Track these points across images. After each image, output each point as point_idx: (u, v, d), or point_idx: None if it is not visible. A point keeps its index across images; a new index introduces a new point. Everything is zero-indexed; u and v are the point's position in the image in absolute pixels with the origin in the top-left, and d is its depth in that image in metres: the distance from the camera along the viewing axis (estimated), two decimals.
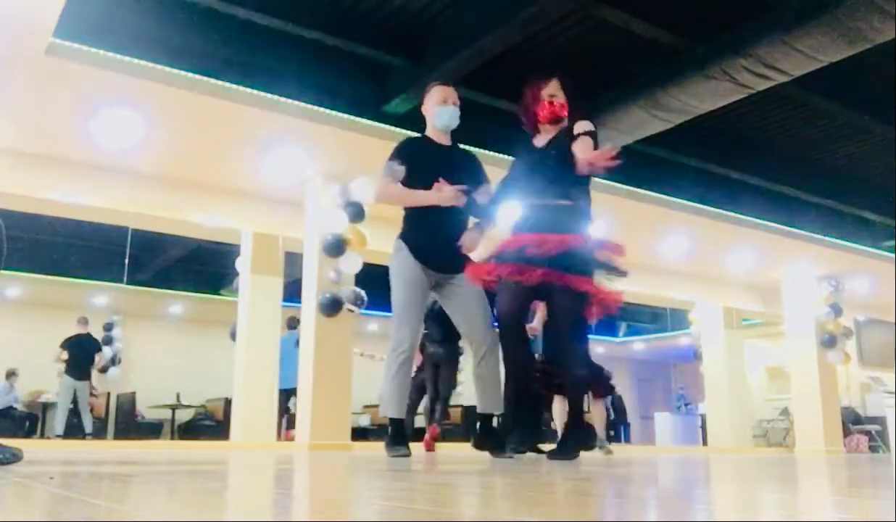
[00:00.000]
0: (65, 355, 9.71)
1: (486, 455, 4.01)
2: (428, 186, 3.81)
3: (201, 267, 12.10)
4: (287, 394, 8.75)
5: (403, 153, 3.96)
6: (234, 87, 6.12)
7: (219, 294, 11.65)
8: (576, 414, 3.78)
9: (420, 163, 3.90)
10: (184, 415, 11.61)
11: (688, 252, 9.98)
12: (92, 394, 10.13)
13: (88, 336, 10.01)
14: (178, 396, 11.29)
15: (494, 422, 4.15)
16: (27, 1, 4.73)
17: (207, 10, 5.97)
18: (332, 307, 7.22)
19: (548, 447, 4.32)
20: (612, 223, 8.89)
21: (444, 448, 7.65)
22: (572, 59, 6.75)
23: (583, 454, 3.96)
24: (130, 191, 7.47)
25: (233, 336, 8.77)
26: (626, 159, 8.62)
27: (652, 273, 10.83)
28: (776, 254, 10.37)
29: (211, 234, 9.56)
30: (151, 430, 11.43)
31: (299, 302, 7.61)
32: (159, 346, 12.18)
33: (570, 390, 3.89)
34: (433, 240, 3.84)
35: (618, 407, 15.25)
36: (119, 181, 7.33)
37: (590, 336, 5.63)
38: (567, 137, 3.80)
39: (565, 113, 3.89)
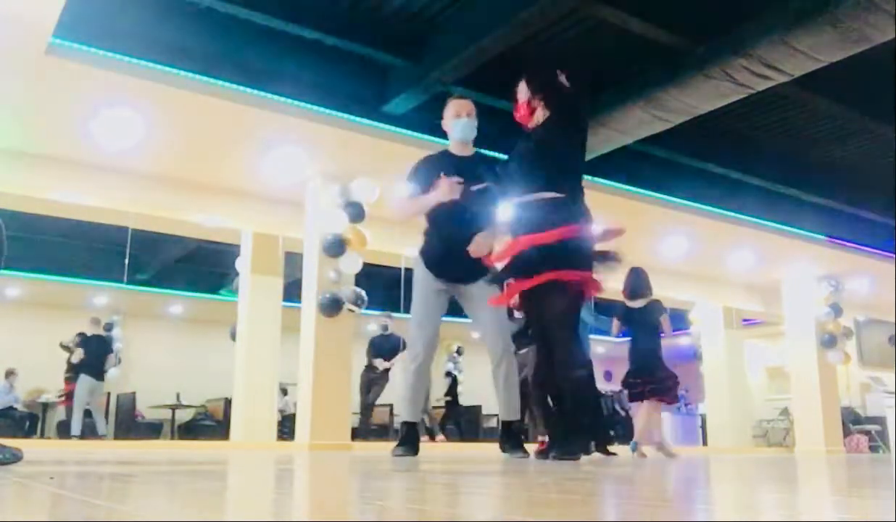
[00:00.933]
0: (79, 352, 9.64)
1: (486, 454, 4.01)
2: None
3: (201, 268, 12.10)
4: None
5: (419, 172, 4.04)
6: (234, 86, 6.12)
7: (219, 294, 11.65)
8: (575, 414, 3.74)
9: (436, 176, 3.93)
10: (184, 415, 11.60)
11: (687, 252, 9.97)
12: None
13: (101, 336, 9.98)
14: (178, 396, 11.28)
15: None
16: (27, 1, 4.73)
17: (207, 10, 5.97)
18: (332, 307, 7.22)
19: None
20: (612, 223, 8.90)
21: (445, 448, 7.65)
22: (572, 59, 6.76)
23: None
24: (130, 191, 7.47)
25: (233, 336, 8.78)
26: (627, 159, 8.64)
27: (652, 273, 10.76)
28: (776, 254, 10.37)
29: (211, 234, 9.56)
30: (151, 430, 11.43)
31: (299, 302, 7.62)
32: (159, 346, 12.18)
33: (567, 391, 3.76)
34: (446, 252, 3.92)
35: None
36: (119, 181, 7.32)
37: (590, 333, 5.66)
38: (546, 127, 3.77)
39: (518, 117, 3.88)
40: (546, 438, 4.94)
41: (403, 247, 8.14)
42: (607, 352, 17.88)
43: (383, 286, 10.43)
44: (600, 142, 7.18)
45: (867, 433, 12.66)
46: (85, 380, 9.51)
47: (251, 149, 7.01)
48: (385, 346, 9.66)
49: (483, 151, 4.22)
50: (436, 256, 3.96)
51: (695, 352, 12.79)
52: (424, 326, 3.95)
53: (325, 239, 7.28)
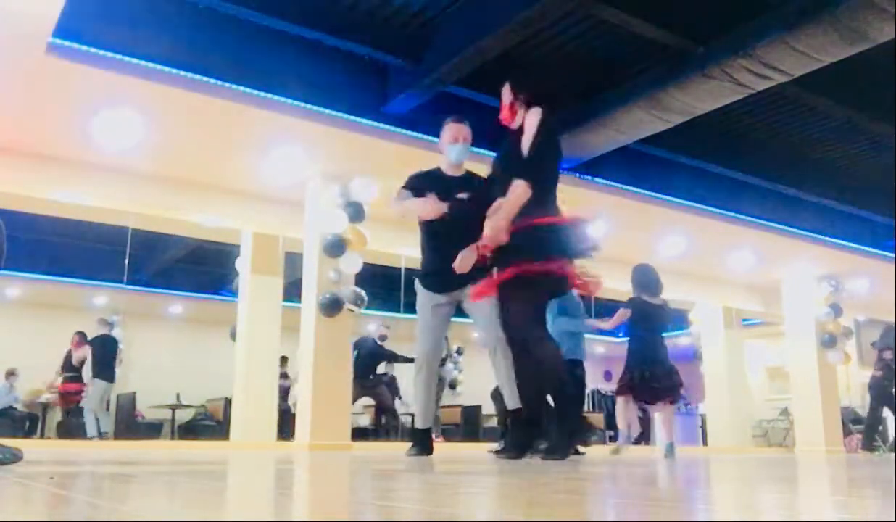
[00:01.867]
0: (86, 351, 9.62)
1: (485, 455, 4.02)
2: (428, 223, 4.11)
3: (201, 268, 12.09)
4: None
5: (413, 183, 4.25)
6: (235, 87, 6.12)
7: (219, 294, 11.65)
8: (562, 413, 3.82)
9: (425, 191, 4.14)
10: (184, 415, 11.60)
11: (687, 252, 9.97)
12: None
13: (109, 336, 9.96)
14: (178, 396, 11.28)
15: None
16: (27, 1, 4.73)
17: (207, 10, 5.97)
18: (332, 307, 7.22)
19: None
20: (612, 223, 8.91)
21: (444, 448, 7.65)
22: (572, 59, 6.76)
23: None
24: (130, 191, 7.47)
25: (233, 336, 8.77)
26: (626, 159, 8.65)
27: None
28: (776, 253, 10.37)
29: (211, 234, 9.56)
30: (151, 430, 11.43)
31: (299, 302, 7.61)
32: (159, 346, 12.18)
33: (543, 390, 3.91)
34: (440, 265, 4.09)
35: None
36: (119, 181, 7.32)
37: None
38: (516, 134, 3.90)
39: (502, 118, 4.01)
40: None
41: (403, 247, 8.15)
42: (607, 352, 17.90)
43: (382, 285, 10.45)
44: (600, 142, 7.18)
45: None
46: (100, 385, 9.45)
47: (251, 149, 7.00)
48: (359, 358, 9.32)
49: (471, 170, 4.35)
50: (430, 273, 4.21)
51: (695, 352, 12.79)
52: (424, 340, 4.22)
53: (325, 239, 7.28)
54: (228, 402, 9.57)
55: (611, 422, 13.85)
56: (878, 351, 10.30)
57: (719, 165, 8.66)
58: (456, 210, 4.03)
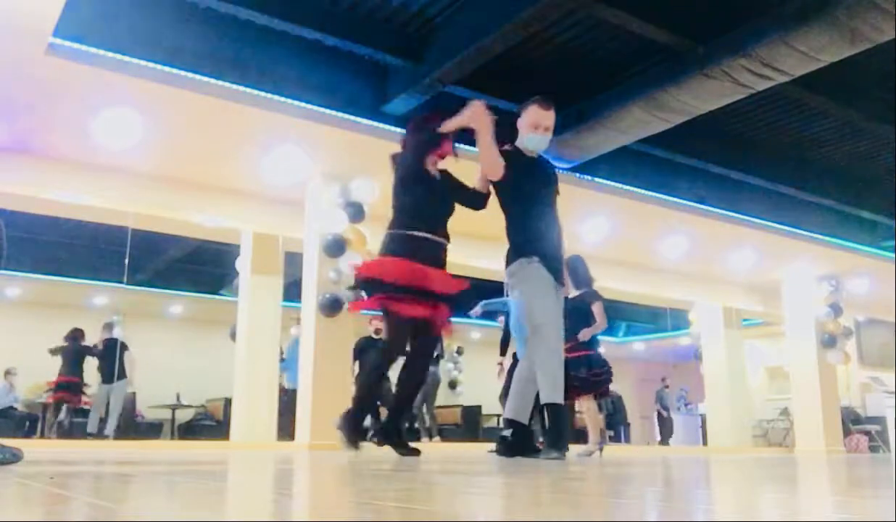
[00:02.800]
0: (98, 351, 9.66)
1: (484, 455, 4.01)
2: (522, 194, 4.03)
3: (201, 268, 12.09)
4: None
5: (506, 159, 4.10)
6: (234, 86, 6.12)
7: (219, 294, 11.65)
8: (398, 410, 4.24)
9: (515, 170, 4.03)
10: (184, 415, 11.60)
11: (688, 252, 9.98)
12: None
13: (114, 340, 9.96)
14: (178, 396, 11.28)
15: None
16: (27, 1, 4.73)
17: (207, 10, 5.97)
18: (332, 307, 7.22)
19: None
20: (612, 223, 8.91)
21: (444, 448, 7.65)
22: (572, 59, 6.76)
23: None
24: (130, 191, 7.47)
25: (233, 336, 8.76)
26: (626, 159, 8.65)
27: (652, 273, 10.83)
28: (776, 253, 10.37)
29: (211, 234, 9.56)
30: (151, 430, 11.42)
31: (299, 302, 7.61)
32: (159, 346, 12.17)
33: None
34: (553, 251, 4.13)
35: (617, 407, 15.23)
36: (119, 181, 7.32)
37: None
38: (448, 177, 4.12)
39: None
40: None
41: None
42: (607, 352, 17.90)
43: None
44: (600, 142, 7.18)
45: (867, 433, 12.66)
46: (101, 388, 9.54)
47: (251, 149, 7.00)
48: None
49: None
50: (551, 257, 4.14)
51: (695, 352, 12.79)
52: (554, 321, 4.08)
53: (325, 239, 7.28)
54: (228, 402, 9.56)
55: (610, 422, 13.87)
56: None
57: (719, 165, 8.66)
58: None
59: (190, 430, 11.30)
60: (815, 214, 9.85)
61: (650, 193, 8.52)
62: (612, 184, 8.24)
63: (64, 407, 9.88)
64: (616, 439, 13.68)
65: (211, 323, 11.55)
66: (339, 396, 7.22)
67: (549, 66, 6.79)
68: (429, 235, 3.94)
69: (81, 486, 1.82)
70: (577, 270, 5.94)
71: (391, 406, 4.26)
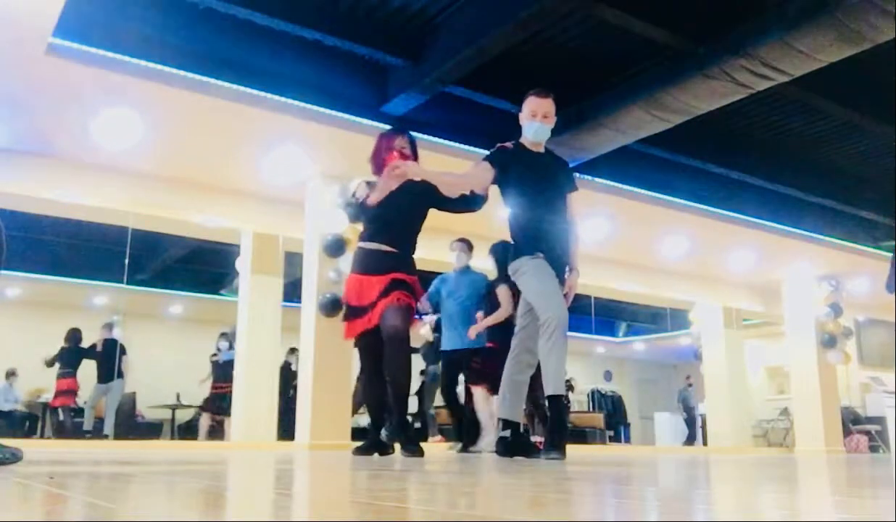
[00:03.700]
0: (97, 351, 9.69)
1: (485, 455, 4.01)
2: (523, 191, 4.03)
3: (201, 268, 12.09)
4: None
5: (498, 158, 4.09)
6: (234, 86, 6.12)
7: (219, 294, 11.64)
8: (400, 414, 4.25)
9: (510, 167, 4.05)
10: (184, 415, 11.60)
11: (688, 252, 9.98)
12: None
13: (113, 340, 9.97)
14: (178, 396, 11.28)
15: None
16: (27, 1, 4.73)
17: (207, 10, 5.96)
18: (332, 307, 7.22)
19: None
20: (612, 223, 8.90)
21: (443, 448, 7.64)
22: (572, 59, 6.76)
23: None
24: (130, 191, 7.47)
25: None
26: (626, 159, 8.64)
27: (652, 273, 10.84)
28: (776, 254, 10.37)
29: (211, 234, 9.56)
30: (151, 430, 11.43)
31: (299, 302, 7.61)
32: (159, 346, 12.17)
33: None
34: (551, 245, 4.15)
35: (617, 407, 15.25)
36: (119, 181, 7.32)
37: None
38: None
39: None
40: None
41: None
42: (607, 352, 17.91)
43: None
44: (600, 142, 7.18)
45: (867, 433, 12.66)
46: (96, 388, 9.62)
47: (251, 149, 7.00)
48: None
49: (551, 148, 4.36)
50: (548, 250, 4.17)
51: (695, 352, 12.80)
52: (559, 302, 4.02)
53: (324, 239, 7.28)
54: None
55: (610, 422, 13.87)
56: None
57: (719, 165, 8.66)
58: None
59: (190, 430, 11.29)
60: (815, 214, 9.85)
61: (650, 193, 8.52)
62: (612, 184, 8.24)
63: (60, 409, 9.90)
64: (616, 439, 13.69)
65: (211, 323, 11.53)
66: (339, 396, 7.24)
67: (549, 66, 6.78)
68: (379, 246, 4.19)
69: (81, 486, 1.82)
70: (497, 257, 5.89)
71: (389, 407, 4.26)
